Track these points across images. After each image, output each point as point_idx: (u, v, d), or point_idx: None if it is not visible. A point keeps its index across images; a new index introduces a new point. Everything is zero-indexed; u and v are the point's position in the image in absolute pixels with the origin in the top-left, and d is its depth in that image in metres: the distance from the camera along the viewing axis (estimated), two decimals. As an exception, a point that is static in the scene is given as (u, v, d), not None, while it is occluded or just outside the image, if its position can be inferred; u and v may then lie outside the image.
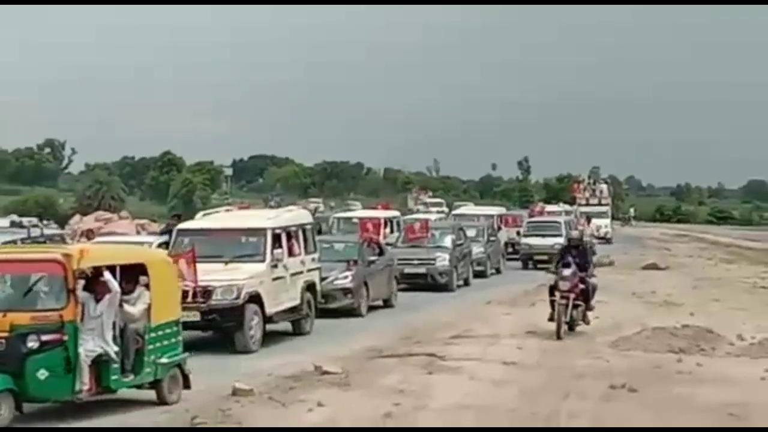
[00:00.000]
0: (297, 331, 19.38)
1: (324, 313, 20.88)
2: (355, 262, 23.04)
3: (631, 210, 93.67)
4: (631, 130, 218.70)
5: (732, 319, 20.86)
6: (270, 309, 17.96)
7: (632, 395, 13.21)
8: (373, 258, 24.13)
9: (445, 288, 28.53)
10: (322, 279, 21.12)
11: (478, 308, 23.68)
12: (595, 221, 48.44)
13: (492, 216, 42.23)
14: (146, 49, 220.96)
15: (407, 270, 27.49)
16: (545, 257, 36.58)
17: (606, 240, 54.42)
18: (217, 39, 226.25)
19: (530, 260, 37.88)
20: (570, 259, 18.92)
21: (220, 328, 17.48)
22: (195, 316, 16.61)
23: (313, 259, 20.10)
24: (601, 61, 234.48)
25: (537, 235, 38.84)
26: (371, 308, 23.38)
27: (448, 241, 30.13)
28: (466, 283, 30.48)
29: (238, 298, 17.14)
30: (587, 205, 61.92)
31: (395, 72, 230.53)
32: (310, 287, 19.68)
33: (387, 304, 24.61)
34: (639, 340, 17.53)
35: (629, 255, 44.39)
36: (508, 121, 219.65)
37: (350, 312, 22.33)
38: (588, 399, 13.00)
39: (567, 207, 64.80)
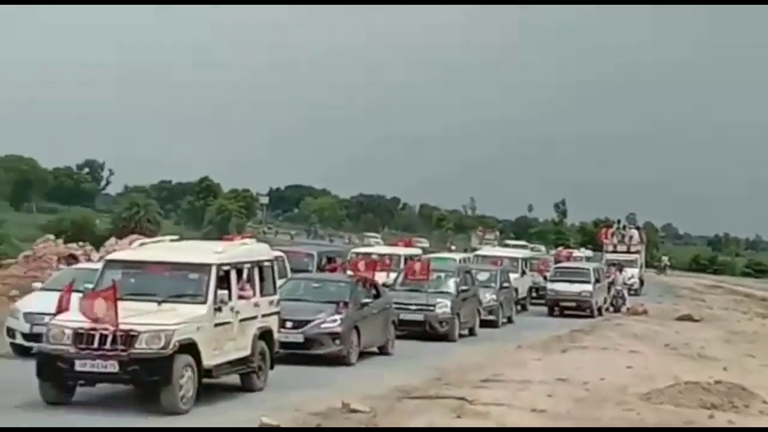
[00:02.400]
0: (246, 386, 16.37)
1: (308, 360, 19.67)
2: (346, 304, 20.98)
3: (664, 258, 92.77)
4: (672, 179, 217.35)
5: (767, 376, 20.59)
6: (208, 361, 15.00)
7: (662, 451, 13.04)
8: (366, 300, 21.94)
9: (445, 338, 25.86)
10: (308, 322, 19.99)
11: (509, 352, 23.48)
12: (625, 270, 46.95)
13: (517, 259, 40.42)
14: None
15: (403, 316, 24.61)
16: (572, 303, 36.91)
17: (634, 291, 49.41)
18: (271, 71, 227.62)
19: (556, 306, 37.29)
20: None
21: (142, 382, 14.50)
22: (113, 367, 14.09)
23: (270, 303, 17.19)
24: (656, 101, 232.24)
25: (564, 281, 37.77)
26: (363, 355, 21.29)
27: (451, 285, 27.34)
28: (472, 332, 27.79)
29: (165, 347, 14.15)
30: (614, 252, 57.13)
31: (429, 105, 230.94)
32: (264, 335, 16.72)
33: (383, 351, 22.38)
34: (671, 393, 17.24)
35: (663, 305, 44.04)
36: (546, 160, 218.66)
37: (337, 360, 20.22)
38: (617, 453, 12.82)
39: (588, 253, 61.77)
